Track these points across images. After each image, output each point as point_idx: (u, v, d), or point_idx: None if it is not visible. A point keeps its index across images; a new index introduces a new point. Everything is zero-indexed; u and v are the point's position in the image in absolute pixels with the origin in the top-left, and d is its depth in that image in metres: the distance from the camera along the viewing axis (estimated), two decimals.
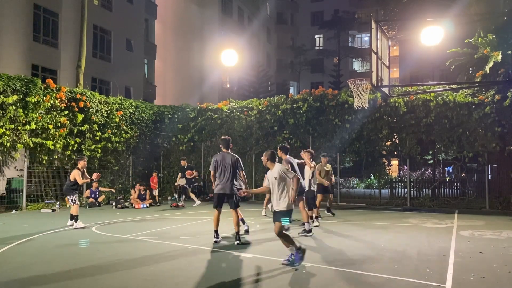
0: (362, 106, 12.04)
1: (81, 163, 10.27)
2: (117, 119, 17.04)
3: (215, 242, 7.85)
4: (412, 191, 16.31)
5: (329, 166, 12.38)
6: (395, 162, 20.15)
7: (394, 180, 17.59)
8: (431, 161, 17.60)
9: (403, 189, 16.73)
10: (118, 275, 5.76)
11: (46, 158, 14.50)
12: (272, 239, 8.51)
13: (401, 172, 19.84)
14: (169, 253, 7.09)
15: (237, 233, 7.83)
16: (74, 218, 9.96)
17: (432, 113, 14.98)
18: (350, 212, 13.76)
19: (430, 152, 16.95)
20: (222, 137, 8.34)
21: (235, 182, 7.97)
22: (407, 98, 15.43)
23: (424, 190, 16.42)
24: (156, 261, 6.54)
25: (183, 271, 5.89)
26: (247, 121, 18.14)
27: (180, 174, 15.64)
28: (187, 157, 19.55)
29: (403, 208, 14.75)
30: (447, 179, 18.03)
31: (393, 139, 16.29)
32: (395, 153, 16.60)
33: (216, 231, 7.98)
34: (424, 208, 14.82)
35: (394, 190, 17.04)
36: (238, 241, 7.74)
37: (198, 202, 15.57)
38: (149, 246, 7.80)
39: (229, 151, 8.16)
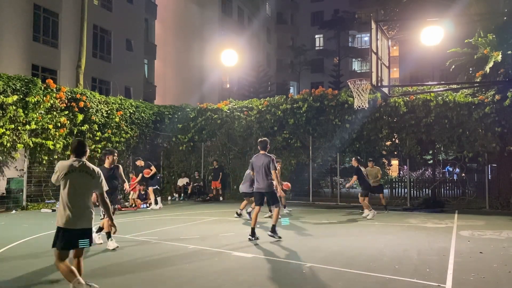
0: (362, 106, 12.06)
1: (110, 158, 7.97)
2: (117, 119, 17.03)
3: (250, 239, 8.09)
4: (412, 191, 16.31)
5: (375, 169, 13.59)
6: (395, 162, 20.13)
7: (394, 180, 17.60)
8: (431, 161, 17.60)
9: (403, 189, 16.73)
10: (118, 275, 5.76)
11: (46, 158, 14.48)
12: (272, 239, 8.51)
13: (401, 172, 19.83)
14: (169, 253, 7.09)
15: (274, 225, 8.28)
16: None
17: (432, 113, 14.97)
18: (350, 212, 13.76)
19: (430, 152, 16.95)
20: (260, 139, 8.76)
21: (271, 180, 8.34)
22: (407, 98, 15.43)
23: (424, 190, 16.43)
24: (156, 261, 6.55)
25: (183, 271, 5.89)
26: (247, 121, 18.12)
27: (140, 175, 14.53)
28: (187, 157, 19.62)
29: (403, 208, 14.76)
30: (449, 179, 18.03)
31: (393, 139, 16.28)
32: (395, 153, 16.61)
33: (253, 229, 8.22)
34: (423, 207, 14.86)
35: (394, 190, 17.04)
36: (270, 233, 8.25)
37: (159, 205, 14.65)
38: (149, 246, 7.80)
39: (266, 152, 8.49)
